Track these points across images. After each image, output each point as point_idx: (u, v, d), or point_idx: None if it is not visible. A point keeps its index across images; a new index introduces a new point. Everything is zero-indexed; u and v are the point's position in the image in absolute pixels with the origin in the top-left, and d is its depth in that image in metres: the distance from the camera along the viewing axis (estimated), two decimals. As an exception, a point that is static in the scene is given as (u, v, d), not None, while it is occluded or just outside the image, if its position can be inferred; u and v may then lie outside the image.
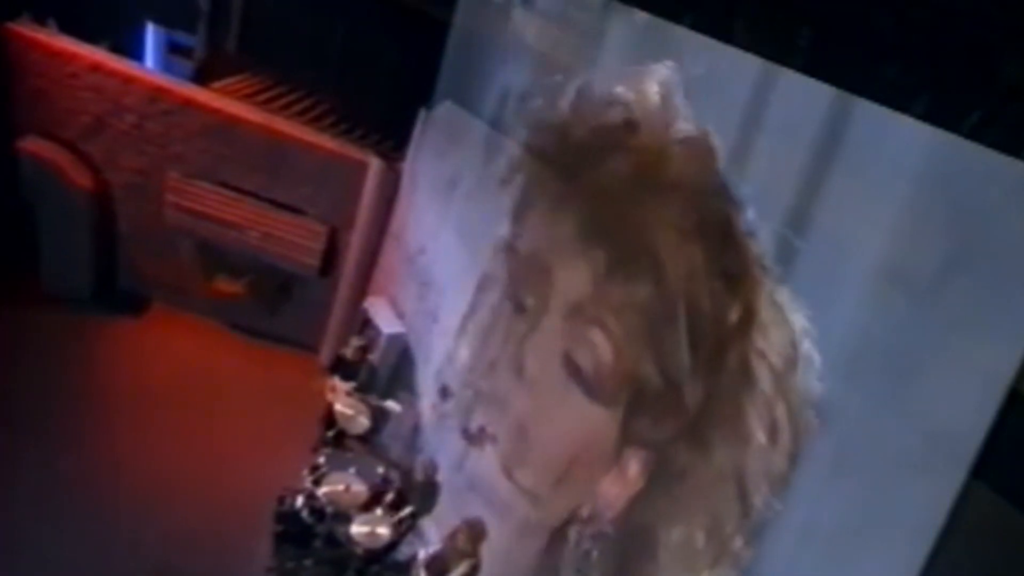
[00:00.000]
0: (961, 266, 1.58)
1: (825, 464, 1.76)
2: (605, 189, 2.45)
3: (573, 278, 2.48)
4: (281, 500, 3.28)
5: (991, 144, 1.56)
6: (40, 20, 4.17)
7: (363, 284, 4.43)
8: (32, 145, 4.09)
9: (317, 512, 3.25)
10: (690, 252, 2.12)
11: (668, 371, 2.12)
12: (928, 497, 1.53)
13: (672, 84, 2.34)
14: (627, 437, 2.29)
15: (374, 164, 4.22)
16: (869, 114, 1.83)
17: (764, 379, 1.95)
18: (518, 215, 3.00)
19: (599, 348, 2.31)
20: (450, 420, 3.39)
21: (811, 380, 1.85)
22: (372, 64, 5.19)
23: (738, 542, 1.95)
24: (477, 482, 3.11)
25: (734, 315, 2.02)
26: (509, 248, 3.02)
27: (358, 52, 5.20)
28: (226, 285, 4.57)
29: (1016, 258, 1.48)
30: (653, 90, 2.37)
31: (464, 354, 3.41)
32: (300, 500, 3.26)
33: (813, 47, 2.04)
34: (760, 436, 1.91)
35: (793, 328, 1.92)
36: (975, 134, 1.59)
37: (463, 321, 3.44)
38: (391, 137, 4.64)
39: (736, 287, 2.04)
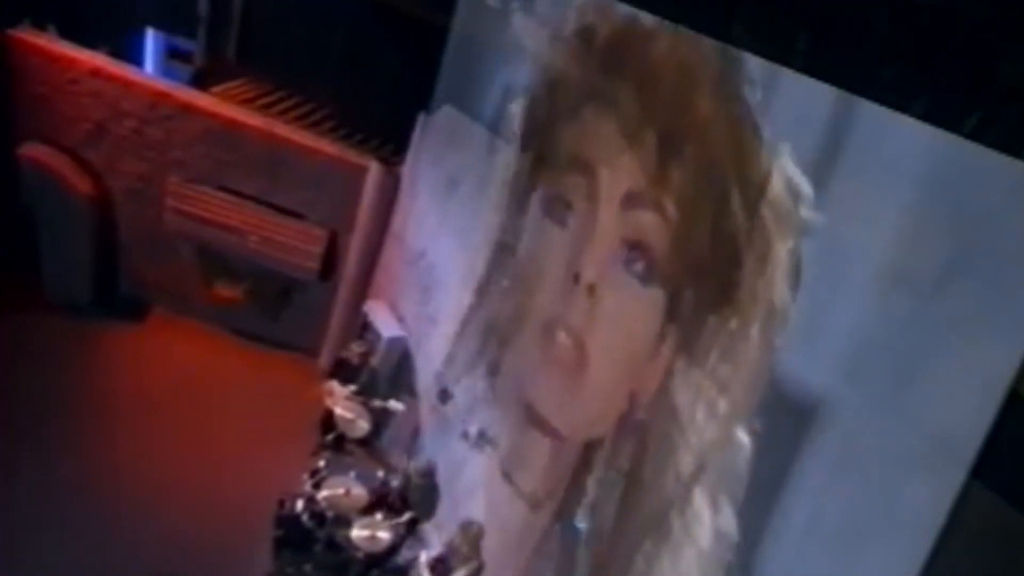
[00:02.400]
0: (961, 267, 1.58)
1: (827, 464, 1.76)
2: (651, 75, 2.43)
3: (622, 170, 2.47)
4: (281, 504, 3.28)
5: (991, 145, 1.56)
6: (40, 26, 4.18)
7: (363, 288, 4.43)
8: (33, 151, 4.10)
9: (317, 516, 3.25)
10: (731, 117, 2.16)
11: (722, 237, 2.13)
12: (928, 497, 1.53)
13: None
14: (673, 316, 2.28)
15: (374, 168, 4.23)
16: (869, 115, 1.83)
17: (777, 220, 1.99)
18: (543, 128, 2.94)
19: (656, 226, 2.32)
20: (450, 423, 3.39)
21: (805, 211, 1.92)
22: (371, 69, 5.20)
23: (754, 384, 1.99)
24: (477, 486, 3.11)
25: (756, 176, 2.06)
26: (538, 161, 2.95)
27: (357, 57, 5.20)
28: (226, 290, 4.57)
29: (1016, 259, 1.48)
30: None
31: (464, 357, 3.41)
32: (300, 504, 3.26)
33: (812, 49, 2.04)
34: (783, 277, 1.94)
35: (784, 160, 1.98)
36: (975, 135, 1.60)
37: (463, 324, 3.44)
38: (390, 141, 4.65)
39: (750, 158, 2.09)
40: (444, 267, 3.74)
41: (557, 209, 2.82)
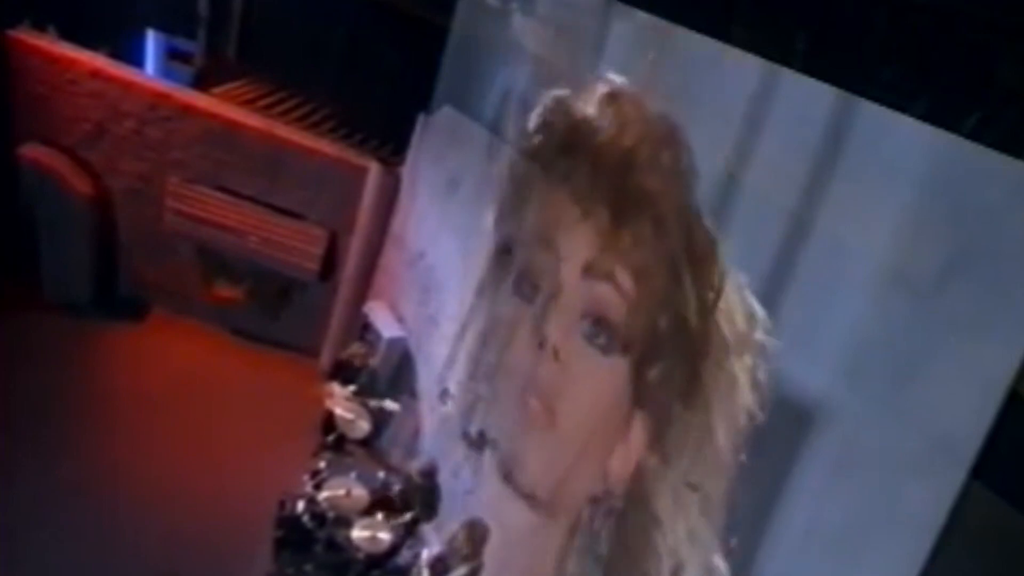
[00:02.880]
0: (961, 267, 1.58)
1: (826, 466, 1.76)
2: (598, 158, 2.55)
3: (578, 241, 2.59)
4: (282, 505, 3.28)
5: (990, 145, 1.56)
6: (40, 27, 4.18)
7: (363, 288, 4.43)
8: (32, 152, 4.10)
9: (318, 517, 3.24)
10: (677, 202, 2.26)
11: (677, 310, 2.22)
12: (928, 498, 1.53)
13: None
14: (639, 397, 2.36)
15: (373, 168, 4.23)
16: (869, 115, 1.83)
17: (734, 335, 2.07)
18: (513, 211, 3.11)
19: (612, 299, 2.41)
20: (450, 424, 3.39)
21: (761, 334, 2.00)
22: (371, 69, 5.20)
23: (724, 493, 2.04)
24: (477, 486, 3.11)
25: (713, 273, 2.15)
26: (510, 243, 3.12)
27: (357, 57, 5.21)
28: (226, 290, 4.57)
29: (1016, 259, 1.48)
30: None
31: (464, 358, 3.41)
32: (301, 505, 3.26)
33: (811, 50, 2.05)
34: (746, 392, 2.01)
35: (740, 284, 2.06)
36: (974, 135, 1.60)
37: (463, 324, 3.44)
38: (390, 142, 4.65)
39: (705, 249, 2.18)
40: (444, 267, 3.74)
41: (525, 288, 2.94)
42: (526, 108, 3.15)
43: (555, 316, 2.69)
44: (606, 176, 2.54)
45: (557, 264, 2.73)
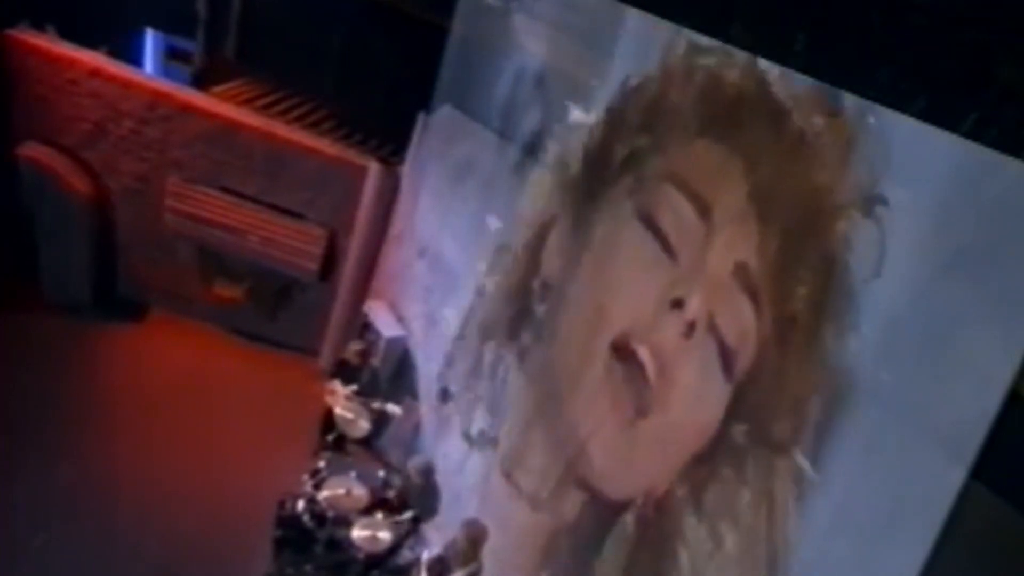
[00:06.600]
0: (961, 266, 1.58)
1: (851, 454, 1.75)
2: (759, 152, 2.10)
3: (738, 241, 2.12)
4: (281, 505, 3.29)
5: (989, 144, 1.56)
6: (39, 26, 4.18)
7: (363, 288, 4.43)
8: (31, 151, 4.10)
9: (317, 517, 3.25)
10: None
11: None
12: (927, 499, 1.53)
13: None
14: (731, 414, 2.03)
15: (373, 168, 4.23)
16: (869, 114, 1.83)
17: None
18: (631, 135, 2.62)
19: (747, 317, 2.03)
20: (450, 423, 3.40)
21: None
22: (371, 69, 5.20)
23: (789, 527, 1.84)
24: (477, 485, 3.12)
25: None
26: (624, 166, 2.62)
27: (357, 57, 5.21)
28: (226, 290, 4.57)
29: (1016, 259, 1.48)
30: None
31: (464, 356, 3.41)
32: (300, 505, 3.27)
33: (810, 50, 2.04)
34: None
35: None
36: (973, 135, 1.60)
37: (463, 324, 3.45)
38: (390, 142, 4.65)
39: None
40: (444, 267, 3.75)
41: (656, 225, 2.44)
42: (525, 108, 3.06)
43: (699, 289, 2.20)
44: (771, 186, 2.03)
45: (706, 229, 2.22)
